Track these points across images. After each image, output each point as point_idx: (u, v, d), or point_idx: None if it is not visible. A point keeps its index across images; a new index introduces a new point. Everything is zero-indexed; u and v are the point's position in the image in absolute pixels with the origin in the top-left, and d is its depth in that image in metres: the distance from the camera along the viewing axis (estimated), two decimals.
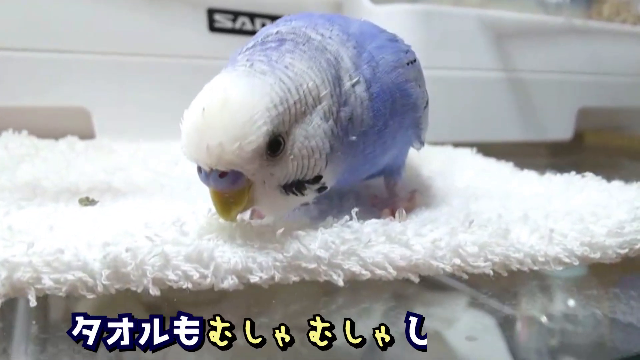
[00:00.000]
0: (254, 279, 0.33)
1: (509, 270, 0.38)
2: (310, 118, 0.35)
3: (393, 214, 0.42)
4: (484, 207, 0.46)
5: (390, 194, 0.47)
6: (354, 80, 0.37)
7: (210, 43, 0.79)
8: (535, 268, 0.38)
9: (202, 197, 0.38)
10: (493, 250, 0.37)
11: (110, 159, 0.62)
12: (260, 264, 0.33)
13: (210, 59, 0.77)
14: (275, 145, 0.33)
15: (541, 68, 0.99)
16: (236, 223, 0.35)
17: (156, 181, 0.55)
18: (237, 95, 0.32)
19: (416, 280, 0.36)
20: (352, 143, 0.37)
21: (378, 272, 0.35)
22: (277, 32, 0.38)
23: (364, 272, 0.35)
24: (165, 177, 0.56)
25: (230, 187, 0.33)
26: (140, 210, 0.42)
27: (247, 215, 0.39)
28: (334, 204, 0.47)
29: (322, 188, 0.37)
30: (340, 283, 0.35)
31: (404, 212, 0.41)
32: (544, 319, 0.42)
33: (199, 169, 0.33)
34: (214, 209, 0.35)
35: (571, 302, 0.45)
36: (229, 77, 0.34)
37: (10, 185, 0.47)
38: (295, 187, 0.35)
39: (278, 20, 0.42)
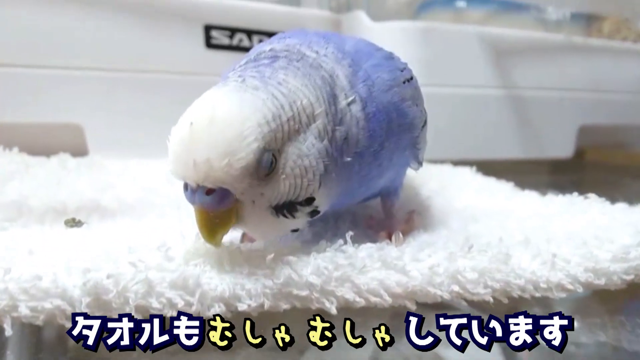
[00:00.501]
0: (242, 307, 0.32)
1: (509, 297, 0.36)
2: (305, 136, 0.33)
3: (390, 237, 0.40)
4: (484, 230, 0.45)
5: (387, 216, 0.46)
6: (350, 99, 0.36)
7: (206, 59, 0.78)
8: (538, 295, 0.37)
9: (192, 217, 0.36)
10: (493, 277, 0.36)
11: (101, 176, 0.61)
12: (249, 291, 0.32)
13: (207, 75, 0.76)
14: (266, 164, 0.31)
15: (541, 85, 0.98)
16: (221, 247, 0.33)
17: (146, 199, 0.53)
18: (226, 110, 0.31)
19: (413, 307, 0.35)
20: (347, 164, 0.36)
21: (373, 299, 0.34)
22: (270, 50, 0.37)
23: (358, 299, 0.34)
24: (156, 195, 0.55)
25: (217, 206, 0.31)
26: (127, 232, 0.41)
27: (237, 238, 0.38)
28: (329, 226, 0.45)
29: (315, 212, 0.35)
30: (334, 311, 0.33)
31: (400, 235, 0.40)
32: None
33: (185, 186, 0.32)
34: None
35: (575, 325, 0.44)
36: (219, 92, 0.32)
37: None
38: (286, 208, 0.34)
39: (272, 38, 0.41)
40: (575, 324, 0.43)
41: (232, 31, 0.79)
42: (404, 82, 0.40)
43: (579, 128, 1.02)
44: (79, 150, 0.71)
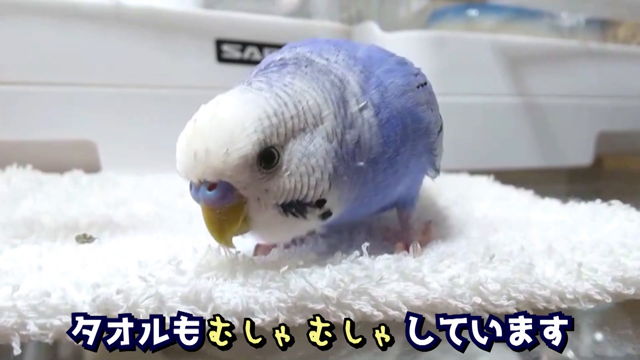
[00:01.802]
0: (256, 320, 0.31)
1: (534, 308, 0.35)
2: (311, 136, 0.33)
3: (407, 249, 0.39)
4: (504, 239, 0.43)
5: (403, 227, 0.44)
6: (361, 104, 0.35)
7: (218, 73, 0.78)
8: (564, 306, 0.35)
9: (204, 231, 0.35)
10: (517, 287, 0.34)
11: (114, 192, 0.61)
12: (263, 305, 0.31)
13: (219, 89, 0.75)
14: (268, 158, 0.32)
15: (558, 92, 0.97)
16: (234, 259, 0.33)
17: (158, 214, 0.52)
18: (229, 106, 0.32)
19: (433, 321, 0.33)
20: (361, 169, 0.35)
21: (391, 312, 0.33)
22: (280, 59, 0.37)
23: (375, 312, 0.32)
24: (168, 209, 0.54)
25: (220, 201, 0.31)
26: (138, 247, 0.40)
27: (250, 251, 0.37)
28: (344, 237, 0.44)
29: (327, 213, 0.34)
30: None
31: (418, 246, 0.39)
32: (570, 354, 0.39)
33: (191, 186, 0.32)
34: (213, 243, 0.32)
35: (600, 337, 0.42)
36: (224, 94, 0.33)
37: (6, 222, 0.46)
38: (295, 208, 0.33)
39: (283, 47, 0.41)
40: (602, 336, 0.41)
41: (243, 45, 0.79)
42: (418, 87, 0.39)
43: (598, 135, 1.00)
44: (92, 167, 0.71)
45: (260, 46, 0.80)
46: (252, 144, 0.31)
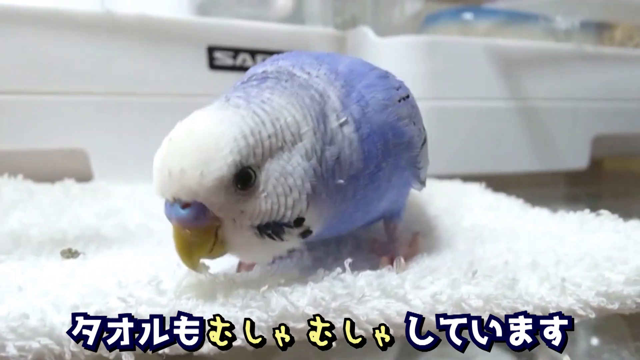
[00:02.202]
0: (236, 342, 0.31)
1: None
2: (289, 155, 0.33)
3: (392, 263, 0.39)
4: (490, 252, 0.43)
5: (390, 239, 0.44)
6: (342, 120, 0.35)
7: (210, 80, 0.78)
8: None
9: None
10: (499, 304, 0.34)
11: (105, 203, 0.61)
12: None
13: (211, 96, 0.74)
14: (244, 178, 0.31)
15: (553, 96, 0.96)
16: (201, 271, 0.32)
17: (147, 226, 0.52)
18: (204, 125, 0.31)
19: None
20: (341, 187, 0.35)
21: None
22: (262, 72, 0.37)
23: (357, 330, 0.32)
24: (157, 221, 0.54)
25: (193, 222, 0.31)
26: (121, 263, 0.40)
27: (232, 268, 0.37)
28: (330, 250, 0.44)
29: (306, 232, 0.34)
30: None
31: (402, 261, 0.39)
32: (566, 358, 0.39)
33: (165, 202, 0.31)
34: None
35: (595, 342, 0.42)
36: (200, 111, 0.33)
37: None
38: (272, 229, 0.33)
39: (266, 60, 0.41)
40: (597, 342, 0.41)
41: (236, 52, 0.79)
42: (399, 101, 0.39)
43: (593, 138, 1.00)
44: (84, 176, 0.71)
45: (253, 53, 0.80)
46: (227, 165, 0.30)
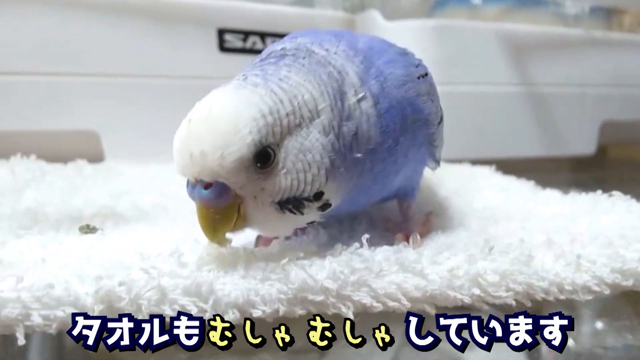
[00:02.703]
0: (256, 313, 0.31)
1: (533, 299, 0.35)
2: (307, 131, 0.33)
3: (407, 240, 0.39)
4: (504, 231, 0.44)
5: (404, 218, 0.45)
6: (360, 95, 0.35)
7: (220, 63, 0.78)
8: (562, 297, 0.35)
9: None
10: (515, 279, 0.35)
11: (117, 183, 0.61)
12: (263, 297, 0.31)
13: (221, 79, 0.75)
14: (264, 157, 0.31)
15: (561, 81, 0.96)
16: (235, 251, 0.33)
17: (161, 205, 0.53)
18: (222, 106, 0.31)
19: (432, 312, 0.34)
20: (359, 160, 0.35)
21: (391, 304, 0.33)
22: (281, 49, 0.37)
23: (375, 304, 0.33)
24: (171, 200, 0.54)
25: (215, 201, 0.31)
26: (140, 238, 0.40)
27: (251, 243, 0.37)
28: (344, 228, 0.44)
29: (325, 205, 0.35)
30: (350, 316, 0.32)
31: (418, 237, 0.39)
32: (571, 342, 0.39)
33: (187, 183, 0.32)
34: None
35: (600, 325, 0.42)
36: (219, 91, 0.33)
37: (11, 213, 0.46)
38: (292, 204, 0.33)
39: (285, 37, 0.41)
40: (602, 326, 0.42)
41: (246, 34, 0.79)
42: (418, 78, 0.39)
43: (601, 124, 1.00)
44: (96, 156, 0.71)
45: (263, 35, 0.80)
46: (247, 145, 0.30)
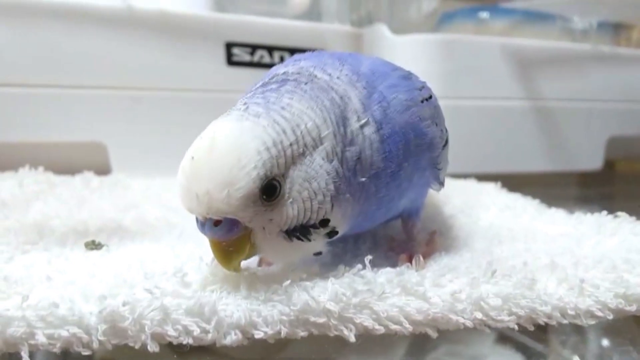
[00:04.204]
0: (258, 334, 0.31)
1: (535, 324, 0.35)
2: (311, 159, 0.33)
3: (410, 260, 0.39)
4: (508, 252, 0.44)
5: (408, 237, 0.45)
6: (362, 121, 0.35)
7: (228, 77, 0.78)
8: (565, 322, 0.35)
9: None
10: (518, 303, 0.35)
11: (124, 195, 0.61)
12: (265, 318, 0.31)
13: (229, 92, 0.76)
14: (270, 190, 0.31)
15: (568, 96, 0.96)
16: (240, 272, 0.33)
17: (167, 219, 0.53)
18: (225, 140, 0.31)
19: (434, 335, 0.34)
20: (363, 185, 0.35)
21: (393, 326, 0.33)
22: (283, 73, 0.37)
23: (377, 326, 0.33)
24: (177, 214, 0.55)
25: (226, 235, 0.32)
26: (145, 255, 0.40)
27: (253, 263, 0.38)
28: (348, 247, 0.44)
29: (332, 232, 0.35)
30: (352, 339, 0.32)
31: (421, 259, 0.39)
32: (576, 359, 0.39)
33: (197, 219, 0.32)
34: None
35: (605, 342, 0.42)
36: (219, 123, 0.32)
37: (18, 226, 0.47)
38: (299, 232, 0.33)
39: (288, 60, 0.41)
40: (609, 343, 0.41)
41: (253, 48, 0.79)
42: (422, 101, 0.39)
43: (608, 139, 1.00)
44: (103, 169, 0.72)
45: (270, 49, 0.81)
46: (252, 180, 0.30)
